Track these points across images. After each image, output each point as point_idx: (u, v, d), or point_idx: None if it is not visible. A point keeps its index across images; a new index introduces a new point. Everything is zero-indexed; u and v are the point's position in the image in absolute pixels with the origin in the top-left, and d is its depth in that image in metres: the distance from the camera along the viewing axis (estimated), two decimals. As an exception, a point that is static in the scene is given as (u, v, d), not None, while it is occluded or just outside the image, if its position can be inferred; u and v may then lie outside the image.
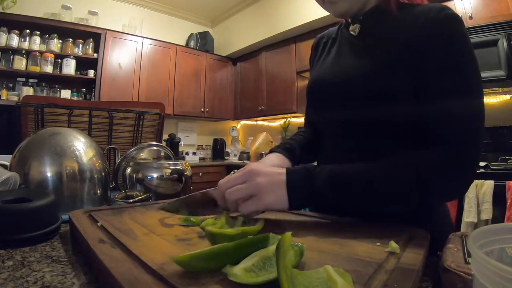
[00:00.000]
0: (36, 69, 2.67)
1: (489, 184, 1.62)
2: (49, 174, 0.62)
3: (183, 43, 3.84)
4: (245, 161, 3.42)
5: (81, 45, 2.93)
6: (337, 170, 0.46)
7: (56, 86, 2.84)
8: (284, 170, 0.46)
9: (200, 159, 3.68)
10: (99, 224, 0.44)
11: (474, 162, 0.46)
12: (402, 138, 0.52)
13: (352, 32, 0.60)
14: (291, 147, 0.68)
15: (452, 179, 0.45)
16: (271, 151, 0.67)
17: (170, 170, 0.81)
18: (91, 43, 2.97)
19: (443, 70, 0.47)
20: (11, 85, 2.71)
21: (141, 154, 0.95)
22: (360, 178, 0.45)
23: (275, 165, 0.60)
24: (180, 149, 3.45)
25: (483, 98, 0.47)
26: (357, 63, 0.55)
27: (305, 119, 0.80)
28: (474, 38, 1.91)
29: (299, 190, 0.45)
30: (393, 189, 0.44)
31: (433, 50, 0.48)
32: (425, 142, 0.48)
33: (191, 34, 3.89)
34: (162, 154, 1.00)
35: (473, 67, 0.47)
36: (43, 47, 2.74)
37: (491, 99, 2.19)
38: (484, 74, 1.86)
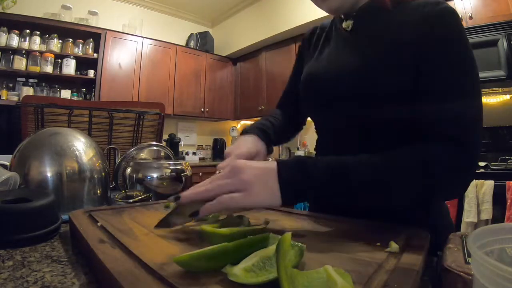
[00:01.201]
0: (36, 69, 2.67)
1: (489, 184, 1.62)
2: (49, 174, 0.62)
3: (183, 43, 3.84)
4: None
5: (81, 45, 2.93)
6: (335, 160, 0.42)
7: (56, 86, 2.84)
8: (274, 162, 0.41)
9: (200, 159, 3.68)
10: (99, 224, 0.44)
11: (473, 162, 0.45)
12: (398, 137, 0.51)
13: (345, 28, 0.59)
14: (266, 128, 0.65)
15: (455, 176, 0.44)
16: (244, 132, 0.65)
17: (170, 170, 0.81)
18: (91, 43, 2.97)
19: (440, 69, 0.46)
20: (11, 85, 2.71)
21: (141, 154, 0.95)
22: (360, 167, 0.41)
23: (251, 151, 0.58)
24: (180, 149, 3.45)
25: (481, 96, 0.46)
26: (351, 60, 0.55)
27: (281, 100, 0.79)
28: (474, 38, 1.91)
29: (292, 181, 0.40)
30: (397, 180, 0.42)
31: (429, 48, 0.46)
32: (426, 141, 0.46)
33: (191, 34, 3.89)
34: (162, 154, 1.00)
35: (470, 65, 0.46)
36: (43, 47, 2.74)
37: (491, 99, 2.19)
38: (484, 74, 1.87)
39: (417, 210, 0.53)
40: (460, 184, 0.46)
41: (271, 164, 0.41)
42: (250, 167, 0.40)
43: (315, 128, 0.68)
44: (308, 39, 0.72)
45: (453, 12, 0.47)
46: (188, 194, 0.41)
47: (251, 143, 0.61)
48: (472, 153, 0.44)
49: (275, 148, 0.72)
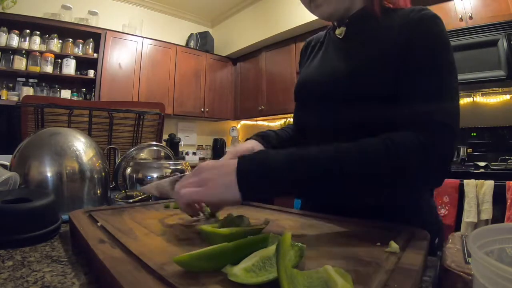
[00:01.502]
0: (36, 69, 2.67)
1: (489, 184, 1.62)
2: (49, 174, 0.62)
3: (183, 43, 3.84)
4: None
5: (81, 45, 2.93)
6: (297, 150, 0.42)
7: (56, 86, 2.84)
8: (236, 159, 0.42)
9: (200, 159, 3.68)
10: (99, 224, 0.44)
11: (445, 155, 0.44)
12: None
13: (338, 35, 0.62)
14: (268, 135, 0.67)
15: (423, 156, 0.42)
16: (246, 140, 0.67)
17: (170, 170, 0.81)
18: (91, 43, 2.97)
19: (420, 70, 0.48)
20: (11, 85, 2.71)
21: (141, 154, 0.95)
22: (323, 156, 0.40)
23: (253, 149, 0.60)
24: (180, 149, 3.46)
25: (458, 96, 0.48)
26: (341, 65, 0.57)
27: (293, 118, 0.81)
28: (474, 38, 1.91)
29: (250, 174, 0.39)
30: (362, 167, 0.40)
31: (412, 50, 0.49)
32: None
33: (191, 34, 3.89)
34: (162, 154, 1.00)
35: (450, 67, 0.48)
36: (43, 47, 2.74)
37: (491, 99, 2.19)
38: (484, 74, 1.87)
39: (406, 208, 0.54)
40: (435, 166, 0.43)
41: (233, 161, 0.41)
42: (212, 166, 0.42)
43: (309, 131, 0.69)
44: (304, 51, 0.76)
45: (434, 16, 0.50)
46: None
47: (250, 144, 0.63)
48: (445, 146, 0.44)
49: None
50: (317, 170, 0.40)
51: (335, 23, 0.63)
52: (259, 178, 0.40)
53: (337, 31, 0.62)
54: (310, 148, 0.42)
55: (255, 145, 0.63)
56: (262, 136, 0.66)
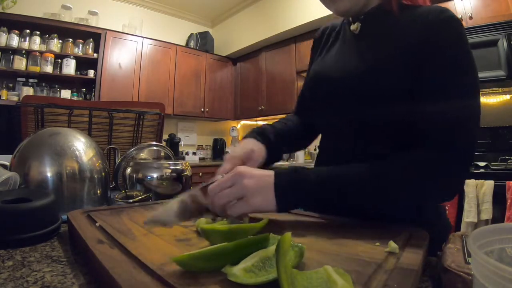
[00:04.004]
0: (36, 69, 2.67)
1: (489, 184, 1.62)
2: (49, 174, 0.62)
3: (183, 43, 3.84)
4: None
5: (81, 45, 2.93)
6: (326, 173, 0.46)
7: (56, 86, 2.84)
8: (272, 172, 0.46)
9: (200, 159, 3.68)
10: (97, 224, 0.44)
11: (465, 165, 0.47)
12: (399, 139, 0.53)
13: (353, 31, 0.60)
14: (265, 132, 0.65)
15: (443, 183, 0.46)
16: (244, 137, 0.65)
17: (170, 170, 0.81)
18: (91, 43, 2.97)
19: (440, 73, 0.47)
20: (11, 85, 2.71)
21: (141, 154, 0.95)
22: (350, 181, 0.45)
23: (246, 151, 0.58)
24: (180, 149, 3.45)
25: (479, 101, 0.47)
26: (357, 62, 0.56)
27: (296, 105, 0.79)
28: (474, 38, 1.91)
29: (287, 193, 0.44)
30: (384, 194, 0.45)
31: (431, 53, 0.48)
32: (419, 144, 0.48)
33: (191, 34, 3.89)
34: (162, 154, 1.00)
35: (470, 70, 0.47)
36: (43, 47, 2.74)
37: (491, 99, 2.19)
38: (484, 74, 1.87)
39: (410, 213, 0.54)
40: (451, 188, 0.48)
41: (269, 173, 0.46)
42: (251, 174, 0.45)
43: (319, 128, 0.70)
44: (318, 39, 0.73)
45: (455, 20, 0.49)
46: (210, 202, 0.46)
47: (247, 144, 0.62)
48: (465, 156, 0.46)
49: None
50: (344, 200, 0.45)
51: (350, 18, 0.61)
52: (295, 198, 0.45)
53: (352, 27, 0.60)
54: (339, 173, 0.46)
55: (254, 146, 0.61)
56: (260, 133, 0.64)
